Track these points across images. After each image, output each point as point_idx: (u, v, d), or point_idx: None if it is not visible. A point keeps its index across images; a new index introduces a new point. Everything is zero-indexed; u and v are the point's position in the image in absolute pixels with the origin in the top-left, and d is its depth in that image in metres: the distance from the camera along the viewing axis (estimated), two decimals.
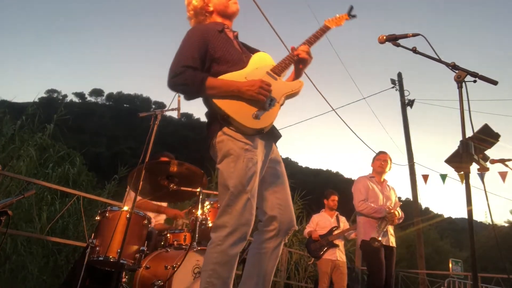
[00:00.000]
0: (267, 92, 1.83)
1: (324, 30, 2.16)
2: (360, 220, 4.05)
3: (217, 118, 1.86)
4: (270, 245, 1.94)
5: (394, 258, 3.90)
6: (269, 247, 1.94)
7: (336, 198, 5.59)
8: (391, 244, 3.91)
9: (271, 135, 1.99)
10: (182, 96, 2.05)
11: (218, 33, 1.97)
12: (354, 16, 2.23)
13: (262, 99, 1.82)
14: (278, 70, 1.98)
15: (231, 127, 1.82)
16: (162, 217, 4.02)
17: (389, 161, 4.21)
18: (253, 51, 2.12)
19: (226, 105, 1.81)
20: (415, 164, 10.57)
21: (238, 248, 1.76)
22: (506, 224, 24.69)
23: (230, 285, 1.76)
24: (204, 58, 1.90)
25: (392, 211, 3.87)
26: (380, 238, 3.74)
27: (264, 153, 1.93)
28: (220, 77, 1.85)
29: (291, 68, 2.08)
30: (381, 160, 4.19)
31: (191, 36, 1.94)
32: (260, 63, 1.98)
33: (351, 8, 2.22)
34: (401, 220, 4.03)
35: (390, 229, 3.99)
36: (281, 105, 1.92)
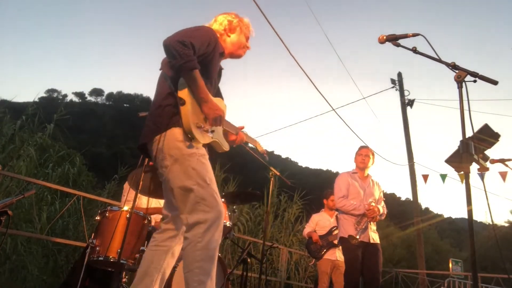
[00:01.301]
0: (217, 124, 2.04)
1: (252, 142, 2.72)
2: (340, 217, 4.03)
3: (171, 114, 1.93)
4: (172, 243, 2.05)
5: (379, 254, 3.79)
6: (171, 246, 2.04)
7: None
8: (371, 241, 3.81)
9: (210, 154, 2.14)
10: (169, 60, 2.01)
11: (219, 54, 2.15)
12: (265, 158, 3.01)
13: (212, 123, 2.00)
14: (224, 124, 2.23)
15: (181, 129, 1.91)
16: (159, 217, 4.01)
17: (371, 156, 4.14)
18: (219, 92, 2.33)
19: (189, 98, 1.93)
20: (415, 164, 10.59)
21: (218, 240, 1.83)
22: (506, 224, 24.71)
23: (214, 277, 1.80)
24: (199, 53, 1.96)
25: (371, 207, 3.81)
26: (358, 236, 3.72)
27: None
28: None
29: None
30: (362, 155, 4.12)
31: (210, 33, 2.06)
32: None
33: (264, 157, 2.95)
34: (383, 217, 3.97)
35: (372, 225, 3.90)
36: (207, 144, 2.11)
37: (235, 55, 2.32)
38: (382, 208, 3.95)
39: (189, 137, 1.92)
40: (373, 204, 3.87)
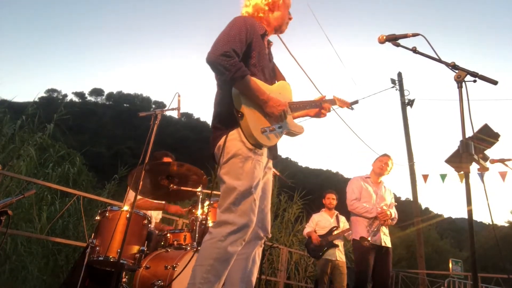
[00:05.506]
0: (283, 119, 1.96)
1: (334, 101, 2.46)
2: (353, 219, 4.08)
3: (230, 118, 1.89)
4: (249, 250, 1.98)
5: (389, 258, 3.86)
6: (248, 252, 1.98)
7: (332, 196, 5.58)
8: (384, 244, 3.87)
9: (272, 152, 2.09)
10: (217, 76, 1.97)
11: (260, 36, 2.05)
12: (352, 109, 2.62)
13: (278, 120, 1.95)
14: (293, 108, 2.14)
15: (241, 130, 1.87)
16: (158, 217, 4.02)
17: (390, 165, 4.21)
18: (279, 74, 2.26)
19: (246, 107, 1.87)
20: (415, 164, 10.60)
21: (238, 247, 1.79)
22: (506, 224, 24.74)
23: (222, 282, 1.77)
24: (242, 51, 1.91)
25: (383, 211, 3.85)
26: (370, 238, 3.74)
27: (265, 163, 2.01)
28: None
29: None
30: (382, 162, 4.19)
31: (242, 24, 1.95)
32: (283, 91, 2.12)
33: (356, 102, 2.54)
34: (394, 221, 4.02)
35: (384, 229, 3.96)
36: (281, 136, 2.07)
37: (278, 31, 2.25)
38: (394, 212, 3.99)
39: (256, 145, 1.88)
40: (385, 207, 3.91)
